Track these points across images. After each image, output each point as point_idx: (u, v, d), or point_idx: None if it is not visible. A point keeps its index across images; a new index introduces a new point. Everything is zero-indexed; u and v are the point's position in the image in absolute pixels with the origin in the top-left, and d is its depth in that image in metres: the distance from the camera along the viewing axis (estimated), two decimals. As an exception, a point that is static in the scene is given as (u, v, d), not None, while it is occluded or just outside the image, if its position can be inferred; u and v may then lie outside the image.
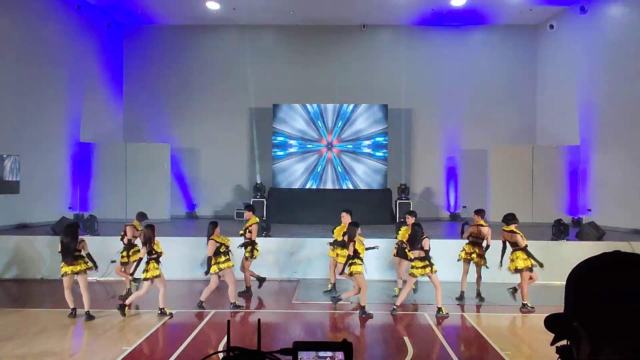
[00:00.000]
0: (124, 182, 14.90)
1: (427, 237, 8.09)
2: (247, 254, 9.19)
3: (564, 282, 1.02)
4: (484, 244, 8.99)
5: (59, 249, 7.83)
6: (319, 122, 15.65)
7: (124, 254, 8.96)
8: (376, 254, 9.50)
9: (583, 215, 14.23)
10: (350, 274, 8.09)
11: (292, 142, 15.69)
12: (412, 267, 8.07)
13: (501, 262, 8.51)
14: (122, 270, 9.06)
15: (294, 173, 15.69)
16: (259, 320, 1.57)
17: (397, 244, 9.17)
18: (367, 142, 15.60)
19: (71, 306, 7.84)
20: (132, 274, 8.67)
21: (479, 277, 9.09)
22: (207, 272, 8.33)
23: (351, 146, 15.64)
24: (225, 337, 5.79)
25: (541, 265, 8.32)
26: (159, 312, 7.97)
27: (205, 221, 10.92)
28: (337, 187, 15.57)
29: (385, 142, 15.60)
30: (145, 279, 7.89)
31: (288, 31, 16.68)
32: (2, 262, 10.61)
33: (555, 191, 14.80)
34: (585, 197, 14.51)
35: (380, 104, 15.71)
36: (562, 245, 10.85)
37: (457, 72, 16.41)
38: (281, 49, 16.69)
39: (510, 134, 16.36)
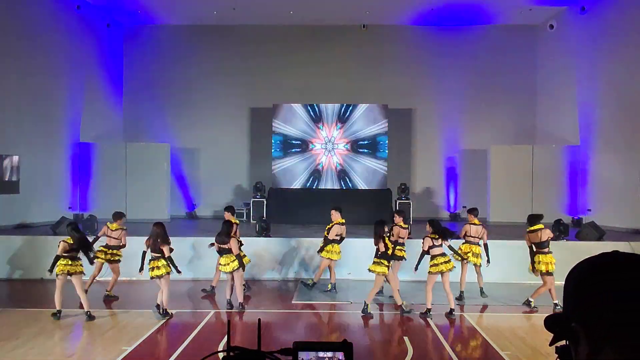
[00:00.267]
0: (124, 182, 14.90)
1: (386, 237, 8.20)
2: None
3: (564, 283, 1.03)
4: (481, 242, 8.99)
5: (65, 249, 7.75)
6: (319, 122, 15.65)
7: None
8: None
9: (583, 215, 14.24)
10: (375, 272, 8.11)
11: (292, 142, 15.68)
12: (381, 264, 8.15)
13: (533, 266, 8.29)
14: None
15: (294, 173, 15.68)
16: (259, 320, 1.58)
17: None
18: (367, 142, 15.60)
19: (58, 307, 7.74)
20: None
21: (479, 275, 9.08)
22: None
23: (351, 146, 15.63)
24: (225, 337, 5.78)
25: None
26: (162, 312, 7.93)
27: (206, 221, 10.96)
28: (337, 187, 15.57)
29: (385, 142, 15.59)
30: (158, 277, 7.85)
31: (288, 31, 16.68)
32: (2, 262, 10.61)
33: (555, 191, 14.80)
34: (585, 197, 14.51)
35: (380, 104, 15.71)
36: (562, 246, 10.84)
37: (457, 72, 16.41)
38: (281, 49, 16.68)
39: (510, 134, 16.36)
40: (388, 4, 14.93)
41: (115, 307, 8.39)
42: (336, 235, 9.22)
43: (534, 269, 8.31)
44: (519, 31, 16.48)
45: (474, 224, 9.06)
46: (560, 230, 11.28)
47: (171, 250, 7.99)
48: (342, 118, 15.62)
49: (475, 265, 9.04)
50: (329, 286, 9.49)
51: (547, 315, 1.03)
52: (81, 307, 7.89)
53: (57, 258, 7.77)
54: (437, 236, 8.06)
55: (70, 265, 7.76)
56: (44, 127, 13.78)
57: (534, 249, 8.30)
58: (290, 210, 14.37)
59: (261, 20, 16.22)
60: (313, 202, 14.60)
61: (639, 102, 12.66)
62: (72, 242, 7.79)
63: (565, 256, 9.37)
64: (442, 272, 7.92)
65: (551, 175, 14.86)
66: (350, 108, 15.67)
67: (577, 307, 0.95)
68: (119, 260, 9.00)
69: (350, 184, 15.58)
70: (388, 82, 16.36)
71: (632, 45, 12.83)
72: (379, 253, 8.08)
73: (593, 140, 14.29)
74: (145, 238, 8.06)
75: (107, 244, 8.98)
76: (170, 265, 7.93)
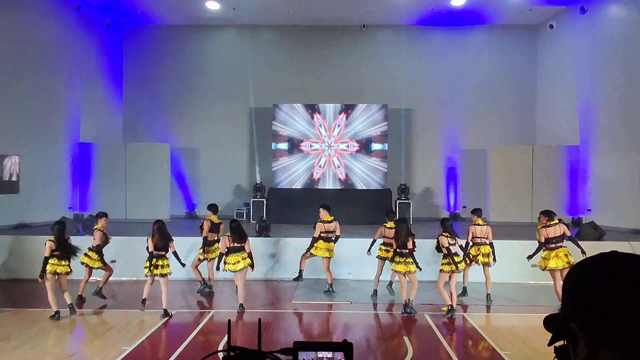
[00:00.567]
0: (124, 182, 14.90)
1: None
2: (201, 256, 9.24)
3: (562, 283, 1.03)
4: (487, 241, 8.99)
5: (52, 249, 7.78)
6: (319, 122, 15.65)
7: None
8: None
9: (583, 215, 14.24)
10: (403, 273, 8.12)
11: (292, 141, 15.68)
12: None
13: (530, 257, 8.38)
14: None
15: (294, 173, 15.68)
16: (259, 320, 1.58)
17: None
18: (366, 142, 15.60)
19: (55, 309, 7.75)
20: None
21: (489, 279, 8.99)
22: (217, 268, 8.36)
23: (351, 146, 15.63)
24: (225, 337, 5.78)
25: (584, 252, 8.00)
26: (163, 313, 7.94)
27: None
28: (336, 187, 15.57)
29: (385, 142, 15.59)
30: (162, 275, 7.90)
31: (288, 31, 16.68)
32: (2, 262, 10.61)
33: (555, 191, 14.80)
34: (585, 197, 14.51)
35: (380, 104, 15.71)
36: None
37: (457, 72, 16.42)
38: (281, 49, 16.69)
39: (510, 134, 16.36)
40: (388, 4, 14.93)
41: (115, 307, 8.39)
42: (322, 232, 9.14)
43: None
44: (519, 31, 16.48)
45: (479, 224, 9.06)
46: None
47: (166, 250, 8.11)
48: (342, 118, 15.62)
49: (485, 265, 8.98)
50: (327, 287, 9.45)
51: (546, 315, 1.03)
52: (80, 306, 7.89)
53: (46, 260, 7.79)
54: (449, 234, 8.09)
55: (57, 264, 7.79)
56: (44, 127, 13.78)
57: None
58: (290, 210, 14.37)
59: (261, 20, 16.23)
60: (313, 202, 14.54)
61: (639, 102, 12.66)
62: (55, 240, 7.89)
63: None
64: (452, 272, 7.95)
65: (551, 175, 14.86)
66: (350, 108, 15.67)
67: (576, 307, 0.95)
68: (104, 263, 8.84)
69: (350, 184, 15.58)
70: (388, 82, 16.36)
71: (632, 45, 12.83)
72: (406, 252, 8.10)
73: (593, 140, 14.29)
74: (147, 238, 8.09)
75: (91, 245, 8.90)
76: (176, 259, 8.09)
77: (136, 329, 7.40)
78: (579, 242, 8.29)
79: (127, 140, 16.38)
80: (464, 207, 15.97)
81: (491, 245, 8.99)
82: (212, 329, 7.57)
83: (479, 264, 8.95)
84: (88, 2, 15.04)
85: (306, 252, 9.26)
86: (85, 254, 8.67)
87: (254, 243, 10.50)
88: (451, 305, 8.00)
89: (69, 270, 7.96)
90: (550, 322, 1.00)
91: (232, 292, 8.60)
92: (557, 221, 8.32)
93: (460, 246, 8.51)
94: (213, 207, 9.63)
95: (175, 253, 8.14)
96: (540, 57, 16.48)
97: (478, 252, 8.95)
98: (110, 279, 9.81)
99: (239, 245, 8.25)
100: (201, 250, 9.31)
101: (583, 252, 7.99)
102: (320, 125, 15.65)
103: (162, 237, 8.00)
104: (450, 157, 16.67)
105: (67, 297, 7.94)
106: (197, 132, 16.57)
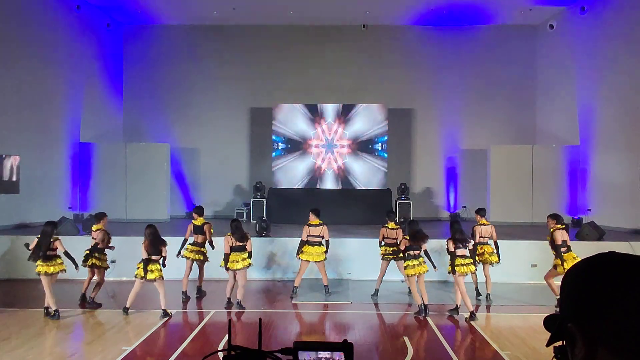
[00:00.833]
0: (124, 182, 14.90)
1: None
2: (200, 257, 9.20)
3: (561, 283, 1.03)
4: (491, 242, 9.01)
5: (32, 246, 7.83)
6: (319, 122, 15.64)
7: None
8: (378, 254, 9.49)
9: (583, 215, 14.24)
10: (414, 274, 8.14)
11: (292, 142, 15.68)
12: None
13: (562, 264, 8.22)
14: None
15: (294, 173, 15.68)
16: (259, 319, 1.58)
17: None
18: (367, 142, 15.60)
19: (54, 307, 7.76)
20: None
21: (489, 278, 9.02)
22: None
23: (351, 146, 15.63)
24: (226, 336, 5.78)
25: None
26: (162, 313, 7.95)
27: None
28: (337, 187, 15.57)
29: (385, 142, 15.59)
30: (152, 280, 7.89)
31: (288, 31, 16.68)
32: (2, 262, 10.61)
33: (555, 191, 14.80)
34: (585, 197, 14.51)
35: (380, 104, 15.71)
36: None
37: (457, 72, 16.42)
38: (281, 49, 16.69)
39: (510, 134, 16.36)
40: (388, 4, 14.93)
41: (115, 307, 8.39)
42: (308, 236, 9.07)
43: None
44: (519, 31, 16.48)
45: (483, 224, 9.08)
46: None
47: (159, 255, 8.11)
48: (342, 118, 15.62)
49: (485, 264, 9.00)
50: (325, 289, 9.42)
51: (546, 315, 1.03)
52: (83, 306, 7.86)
53: (31, 253, 7.86)
54: (455, 239, 8.12)
55: (45, 265, 7.79)
56: (44, 127, 13.78)
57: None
58: (290, 210, 14.36)
59: (261, 20, 16.23)
60: (313, 202, 14.54)
61: (639, 102, 12.66)
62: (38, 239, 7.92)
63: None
64: (464, 274, 7.97)
65: (551, 175, 14.86)
66: (350, 108, 15.67)
67: (573, 308, 0.95)
68: (105, 267, 8.79)
69: (350, 184, 15.58)
70: (388, 82, 16.36)
71: (632, 45, 12.83)
72: (418, 253, 8.16)
73: (593, 140, 14.29)
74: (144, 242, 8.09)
75: (91, 246, 8.90)
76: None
77: (136, 329, 7.40)
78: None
79: (127, 140, 16.38)
80: (464, 207, 15.98)
81: (496, 244, 9.01)
82: (212, 329, 7.57)
83: (478, 262, 8.95)
84: (88, 2, 15.04)
85: (298, 271, 9.19)
86: (94, 256, 8.68)
87: (255, 243, 10.53)
88: (472, 313, 8.00)
89: (57, 270, 7.90)
90: (550, 322, 1.00)
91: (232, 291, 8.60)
92: (563, 226, 8.34)
93: (471, 250, 8.53)
94: (197, 210, 9.47)
95: (164, 258, 8.03)
96: (540, 57, 16.48)
97: (482, 251, 8.98)
98: (110, 279, 9.84)
99: (240, 244, 8.31)
100: (184, 252, 9.17)
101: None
102: (320, 125, 15.65)
103: (153, 242, 7.95)
104: (450, 157, 16.67)
105: (48, 299, 7.87)
106: (197, 132, 16.58)
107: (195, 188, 16.62)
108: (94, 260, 8.68)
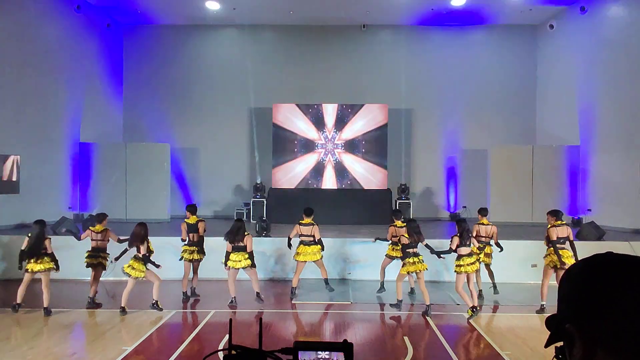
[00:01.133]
0: (124, 182, 14.90)
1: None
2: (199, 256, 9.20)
3: (559, 283, 1.03)
4: (492, 242, 9.04)
5: (24, 246, 8.01)
6: (319, 122, 15.64)
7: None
8: (379, 254, 9.50)
9: (583, 215, 14.24)
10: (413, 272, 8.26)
11: (292, 142, 15.68)
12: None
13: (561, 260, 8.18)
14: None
15: (294, 173, 15.68)
16: (260, 319, 1.58)
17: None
18: (367, 142, 15.60)
19: (18, 301, 7.98)
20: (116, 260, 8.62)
21: (491, 273, 9.19)
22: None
23: (351, 146, 15.63)
24: (226, 336, 5.77)
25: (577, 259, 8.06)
26: (152, 305, 8.05)
27: (206, 221, 10.94)
28: (336, 187, 15.57)
29: (385, 142, 15.59)
30: (130, 276, 8.04)
31: (288, 31, 16.68)
32: (2, 262, 10.61)
33: (555, 191, 14.80)
34: (585, 197, 14.51)
35: (380, 104, 15.71)
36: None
37: (457, 72, 16.42)
38: (281, 49, 16.69)
39: (510, 134, 16.36)
40: (388, 4, 14.93)
41: (115, 307, 8.39)
42: (300, 235, 9.07)
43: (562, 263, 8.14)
44: (519, 31, 16.49)
45: (483, 224, 9.11)
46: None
47: (151, 252, 8.17)
48: (342, 118, 15.61)
49: (486, 265, 9.10)
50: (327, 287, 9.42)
51: (548, 315, 1.03)
52: (98, 301, 7.88)
53: (22, 253, 8.06)
54: (460, 236, 8.16)
55: (33, 263, 7.95)
56: (44, 127, 13.78)
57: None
58: (290, 210, 14.35)
59: (261, 20, 16.23)
60: (313, 202, 14.57)
61: (638, 102, 12.66)
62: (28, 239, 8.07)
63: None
64: (467, 273, 8.00)
65: (551, 175, 14.86)
66: (350, 108, 15.67)
67: (571, 308, 0.95)
68: (103, 266, 8.84)
69: (350, 184, 15.58)
70: (388, 82, 16.36)
71: (632, 45, 12.83)
72: (417, 251, 8.29)
73: (593, 140, 14.29)
74: (149, 239, 8.27)
75: (92, 247, 8.92)
76: (146, 264, 8.07)
77: (136, 329, 7.40)
78: (576, 249, 8.20)
79: (127, 140, 16.38)
80: (464, 207, 15.98)
81: (497, 244, 9.03)
82: (212, 328, 7.57)
83: (480, 262, 8.99)
84: (88, 2, 15.05)
85: (295, 272, 9.22)
86: (100, 256, 8.81)
87: (255, 243, 10.52)
88: (474, 307, 8.02)
89: (44, 269, 8.00)
90: (551, 323, 1.00)
91: (228, 292, 8.61)
92: (564, 222, 8.33)
93: (480, 247, 8.60)
94: (190, 208, 9.40)
95: (144, 257, 8.11)
96: (540, 57, 16.49)
97: (481, 252, 9.00)
98: (110, 279, 9.84)
99: (241, 244, 8.37)
100: (183, 254, 9.16)
101: (576, 259, 7.97)
102: (320, 125, 15.65)
103: (130, 240, 8.16)
104: (450, 157, 16.67)
105: (45, 298, 7.99)
106: (197, 132, 16.58)
107: (195, 188, 16.62)
108: (100, 260, 8.75)
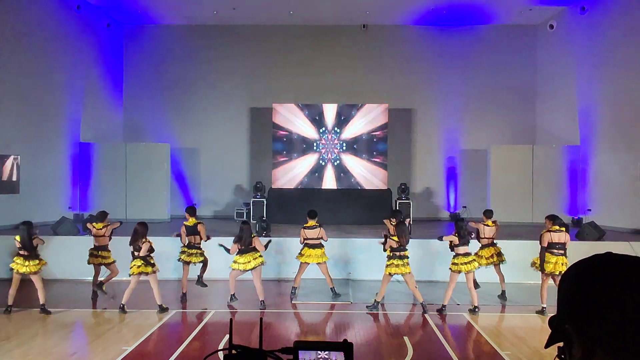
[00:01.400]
0: (124, 182, 14.90)
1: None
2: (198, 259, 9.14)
3: (558, 284, 1.03)
4: (495, 242, 9.09)
5: (18, 247, 8.08)
6: (319, 122, 15.64)
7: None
8: (379, 254, 9.49)
9: (583, 215, 14.24)
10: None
11: (292, 142, 15.68)
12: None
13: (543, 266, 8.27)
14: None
15: (294, 173, 15.68)
16: (260, 319, 1.58)
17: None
18: (367, 142, 15.59)
19: (10, 302, 8.02)
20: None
21: (502, 278, 9.10)
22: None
23: (351, 146, 15.63)
24: (226, 336, 5.77)
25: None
26: (159, 309, 8.07)
27: (206, 221, 10.95)
28: (336, 187, 15.57)
29: (385, 142, 15.59)
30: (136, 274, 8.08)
31: (288, 31, 16.68)
32: (2, 262, 10.60)
33: (555, 191, 14.80)
34: (585, 197, 14.51)
35: (380, 104, 15.71)
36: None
37: (457, 72, 16.42)
38: (281, 49, 16.69)
39: (510, 134, 16.36)
40: (388, 4, 14.93)
41: (115, 307, 8.39)
42: (305, 239, 9.04)
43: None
44: (519, 31, 16.48)
45: (488, 225, 9.13)
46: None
47: (151, 250, 8.20)
48: (342, 118, 15.61)
49: (496, 265, 9.07)
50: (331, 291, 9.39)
51: (551, 315, 1.03)
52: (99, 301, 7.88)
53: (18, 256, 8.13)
54: (458, 235, 8.21)
55: (21, 264, 7.99)
56: (44, 127, 13.78)
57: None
58: (290, 210, 14.36)
59: (261, 20, 16.23)
60: (313, 202, 14.58)
61: (639, 102, 12.66)
62: (19, 240, 8.09)
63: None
64: (465, 272, 8.04)
65: (551, 175, 14.86)
66: (350, 108, 15.67)
67: (570, 309, 0.95)
68: (113, 261, 8.92)
69: (350, 184, 15.58)
70: (388, 82, 16.36)
71: (632, 45, 12.83)
72: (405, 253, 8.29)
73: (593, 140, 14.29)
74: (149, 239, 8.33)
75: (95, 245, 8.95)
76: (146, 263, 8.11)
77: (136, 329, 7.40)
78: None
79: (127, 140, 16.38)
80: (464, 207, 15.97)
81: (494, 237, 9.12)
82: (212, 328, 7.57)
83: (486, 267, 9.00)
84: (88, 2, 15.05)
85: (297, 272, 9.19)
86: (100, 255, 8.92)
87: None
88: (475, 307, 8.13)
89: (35, 270, 8.04)
90: (552, 323, 1.01)
91: (228, 292, 8.60)
92: (562, 228, 8.26)
93: (483, 245, 8.69)
94: (189, 210, 9.30)
95: (145, 257, 8.22)
96: (540, 57, 16.49)
97: (491, 253, 9.01)
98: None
99: (250, 247, 8.33)
100: (181, 255, 9.10)
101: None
102: (320, 125, 15.65)
103: (132, 238, 8.18)
104: (450, 157, 16.67)
105: (41, 296, 8.05)
106: (197, 132, 16.58)
107: (195, 188, 16.62)
108: (100, 260, 8.80)
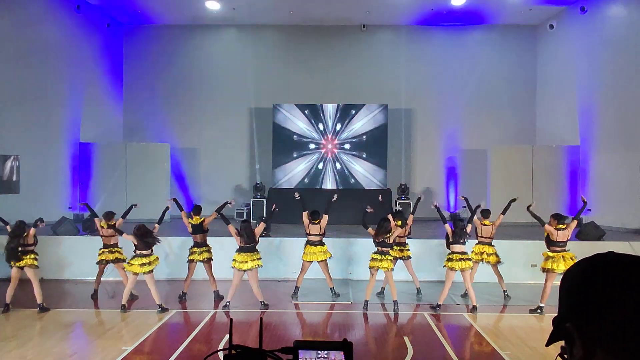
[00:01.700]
0: (124, 182, 14.90)
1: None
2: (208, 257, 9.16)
3: (559, 282, 1.03)
4: (492, 242, 9.09)
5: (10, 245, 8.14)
6: (319, 122, 15.65)
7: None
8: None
9: (583, 215, 14.22)
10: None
11: (292, 142, 15.67)
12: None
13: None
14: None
15: (294, 173, 15.68)
16: (260, 319, 1.58)
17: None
18: (367, 142, 15.59)
19: (7, 301, 8.08)
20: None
21: (500, 277, 9.13)
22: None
23: (351, 146, 15.63)
24: (226, 336, 5.78)
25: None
26: (159, 310, 8.08)
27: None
28: (337, 187, 15.56)
29: (385, 142, 15.59)
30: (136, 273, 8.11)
31: (288, 31, 16.68)
32: (2, 263, 10.60)
33: (555, 191, 14.79)
34: (585, 197, 14.49)
35: (380, 104, 15.71)
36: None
37: (457, 72, 16.42)
38: (281, 49, 16.69)
39: (510, 134, 16.36)
40: (388, 4, 14.93)
41: (115, 307, 8.39)
42: (308, 235, 9.16)
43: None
44: (519, 31, 16.48)
45: (486, 224, 9.17)
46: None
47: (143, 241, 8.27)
48: (342, 118, 15.61)
49: (492, 265, 9.09)
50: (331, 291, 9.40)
51: (555, 315, 1.03)
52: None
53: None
54: (455, 233, 8.31)
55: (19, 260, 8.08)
56: (44, 127, 13.78)
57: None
58: (290, 210, 14.34)
59: (261, 20, 16.23)
60: (313, 202, 14.56)
61: (639, 102, 12.66)
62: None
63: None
64: (460, 270, 8.11)
65: (551, 175, 14.86)
66: (350, 108, 15.67)
67: (571, 308, 0.95)
68: (123, 260, 8.92)
69: (350, 184, 15.57)
70: (388, 82, 16.36)
71: (632, 45, 12.83)
72: (387, 250, 8.43)
73: (593, 140, 14.29)
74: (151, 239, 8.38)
75: (105, 243, 8.99)
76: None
77: (136, 328, 7.40)
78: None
79: (127, 140, 16.38)
80: (464, 207, 15.94)
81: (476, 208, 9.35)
82: (212, 328, 7.57)
83: (484, 263, 9.05)
84: (88, 2, 15.05)
85: (300, 271, 9.18)
86: (116, 251, 8.98)
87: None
88: (474, 306, 8.21)
89: (33, 264, 8.14)
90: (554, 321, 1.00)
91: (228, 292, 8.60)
92: (565, 227, 8.32)
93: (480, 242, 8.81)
94: (194, 210, 9.47)
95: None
96: (540, 57, 16.49)
97: (482, 251, 9.04)
98: (110, 279, 9.86)
99: (249, 245, 8.32)
100: (191, 255, 9.11)
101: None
102: (320, 125, 15.65)
103: (140, 238, 8.24)
104: (450, 157, 16.67)
105: (38, 295, 8.13)
106: (197, 132, 16.58)
107: (195, 188, 16.62)
108: (116, 255, 8.85)
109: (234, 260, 8.40)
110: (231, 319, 1.49)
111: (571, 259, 8.14)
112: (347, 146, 15.64)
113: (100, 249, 8.99)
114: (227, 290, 8.60)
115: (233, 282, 8.41)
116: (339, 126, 15.63)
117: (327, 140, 15.67)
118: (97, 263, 9.00)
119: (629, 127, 12.88)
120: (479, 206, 9.20)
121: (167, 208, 9.08)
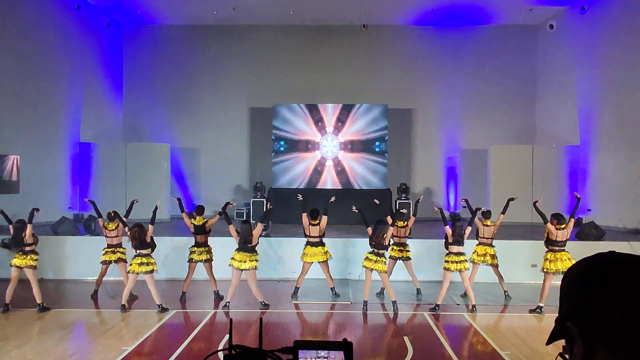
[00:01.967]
0: (124, 182, 14.90)
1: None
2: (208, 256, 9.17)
3: (560, 282, 1.03)
4: (493, 242, 9.10)
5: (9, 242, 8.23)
6: (319, 122, 15.64)
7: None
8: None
9: (583, 215, 14.23)
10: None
11: (292, 142, 15.68)
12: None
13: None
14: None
15: (294, 173, 15.68)
16: (260, 319, 1.58)
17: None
18: (367, 142, 15.60)
19: (7, 301, 8.10)
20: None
21: (501, 278, 9.12)
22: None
23: (351, 146, 15.63)
24: (226, 336, 5.78)
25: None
26: (159, 310, 8.08)
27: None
28: (337, 187, 15.56)
29: (385, 142, 15.59)
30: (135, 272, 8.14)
31: (288, 31, 16.68)
32: (2, 263, 10.60)
33: (555, 191, 14.80)
34: (585, 197, 14.50)
35: (380, 104, 15.71)
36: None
37: (457, 72, 16.43)
38: (281, 49, 16.69)
39: (510, 134, 16.37)
40: (388, 4, 14.94)
41: (115, 307, 8.39)
42: (307, 236, 9.15)
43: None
44: (519, 31, 16.49)
45: (487, 225, 9.17)
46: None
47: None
48: (342, 118, 15.61)
49: (493, 266, 9.09)
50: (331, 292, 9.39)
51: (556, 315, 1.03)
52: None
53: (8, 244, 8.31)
54: (453, 234, 8.30)
55: (18, 257, 8.11)
56: (44, 127, 13.78)
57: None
58: (290, 210, 14.34)
59: (261, 20, 16.23)
60: (313, 202, 14.56)
61: (639, 102, 12.66)
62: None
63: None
64: (457, 271, 8.14)
65: (551, 175, 14.87)
66: (350, 108, 15.67)
67: (572, 307, 0.95)
68: (125, 260, 8.92)
69: (350, 184, 15.57)
70: (388, 82, 16.37)
71: (632, 45, 12.83)
72: (383, 252, 8.42)
73: (593, 140, 14.29)
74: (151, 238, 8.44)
75: (108, 244, 9.01)
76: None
77: (136, 328, 7.40)
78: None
79: (127, 140, 16.38)
80: (464, 207, 15.94)
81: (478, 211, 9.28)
82: (212, 328, 7.57)
83: (487, 264, 9.05)
84: (88, 2, 15.05)
85: (301, 272, 9.19)
86: (119, 251, 8.99)
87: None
88: (474, 306, 8.25)
89: (26, 264, 8.13)
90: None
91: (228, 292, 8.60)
92: (564, 225, 8.34)
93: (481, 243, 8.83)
94: (197, 210, 9.44)
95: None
96: (540, 57, 16.49)
97: (484, 252, 9.03)
98: (110, 279, 9.85)
99: (249, 246, 8.31)
100: (191, 255, 9.10)
101: None
102: (320, 126, 15.65)
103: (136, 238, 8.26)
104: (450, 157, 16.68)
105: (37, 295, 8.14)
106: (197, 132, 16.58)
107: (195, 188, 16.62)
108: (119, 255, 8.86)
109: (232, 258, 8.36)
110: (231, 319, 1.48)
111: (569, 259, 8.17)
112: (346, 146, 15.64)
113: (104, 249, 9.00)
114: (227, 290, 8.58)
115: (232, 282, 8.39)
116: (338, 126, 15.62)
117: (327, 140, 15.67)
118: (101, 263, 9.00)
119: (629, 127, 12.89)
120: (479, 208, 9.18)
121: (157, 207, 9.00)
